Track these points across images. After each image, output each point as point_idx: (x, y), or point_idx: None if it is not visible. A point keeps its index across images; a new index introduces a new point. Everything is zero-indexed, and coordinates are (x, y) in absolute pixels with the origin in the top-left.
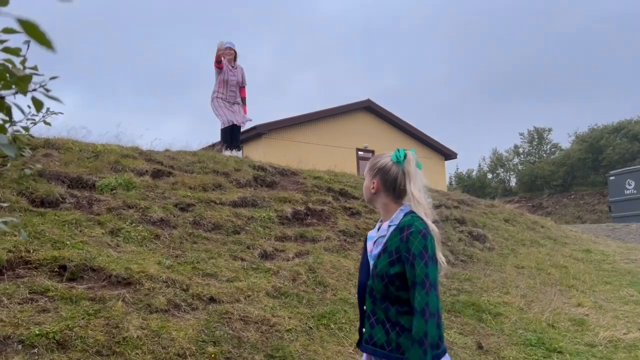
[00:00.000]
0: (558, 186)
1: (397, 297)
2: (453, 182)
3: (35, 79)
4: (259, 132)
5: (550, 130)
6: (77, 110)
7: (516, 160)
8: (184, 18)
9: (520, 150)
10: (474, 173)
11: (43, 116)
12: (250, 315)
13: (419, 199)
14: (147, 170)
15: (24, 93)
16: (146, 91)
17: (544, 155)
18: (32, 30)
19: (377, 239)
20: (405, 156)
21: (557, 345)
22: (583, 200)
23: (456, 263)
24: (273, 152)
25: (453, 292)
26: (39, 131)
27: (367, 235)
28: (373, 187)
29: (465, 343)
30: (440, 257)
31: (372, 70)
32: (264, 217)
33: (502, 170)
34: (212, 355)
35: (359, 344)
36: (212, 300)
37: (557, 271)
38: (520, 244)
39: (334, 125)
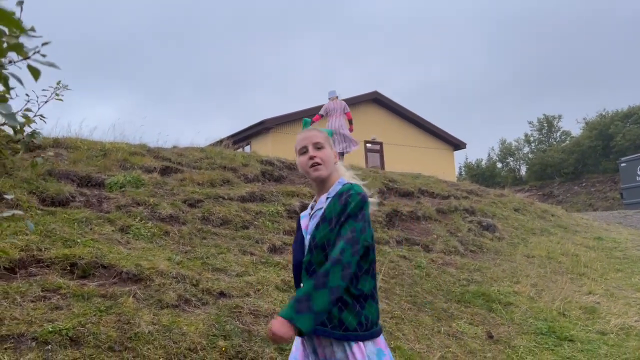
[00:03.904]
0: (569, 174)
1: None
2: (462, 173)
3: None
4: (266, 127)
5: (560, 117)
6: (136, 109)
7: (526, 149)
8: (235, 21)
9: (531, 138)
10: (483, 163)
11: (54, 90)
12: (260, 309)
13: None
14: (155, 168)
15: (25, 58)
16: (204, 92)
17: (554, 143)
18: (6, 18)
19: (313, 213)
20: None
21: (568, 334)
22: (594, 188)
23: (465, 253)
24: (281, 147)
25: (463, 282)
26: (48, 130)
27: (300, 216)
28: (335, 158)
29: (476, 333)
30: None
31: (414, 63)
32: (272, 211)
33: (512, 159)
34: (223, 349)
35: None
36: (222, 294)
37: (567, 259)
38: (531, 233)
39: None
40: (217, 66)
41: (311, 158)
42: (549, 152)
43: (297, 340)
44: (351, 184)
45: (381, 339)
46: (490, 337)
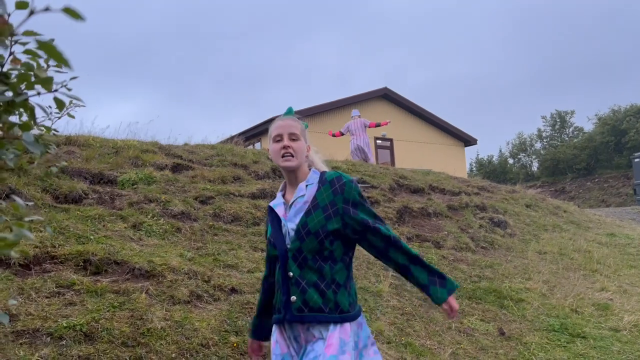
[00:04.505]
0: (581, 170)
1: (331, 253)
2: (473, 169)
3: (56, 78)
4: None
5: (572, 112)
6: (158, 107)
7: (538, 144)
8: (254, 19)
9: (543, 134)
10: (494, 159)
11: (67, 109)
12: None
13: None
14: (166, 165)
15: (50, 91)
16: (225, 90)
17: (567, 138)
18: (49, 50)
19: (293, 201)
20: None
21: (580, 331)
22: (607, 184)
23: (477, 250)
24: None
25: (474, 279)
26: (61, 128)
27: (269, 206)
28: (307, 151)
29: (487, 330)
30: None
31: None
32: None
33: (524, 155)
34: (235, 345)
35: (281, 320)
36: (233, 290)
37: (580, 256)
38: (542, 230)
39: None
40: (238, 64)
41: (284, 147)
42: (561, 148)
43: (274, 336)
44: (335, 171)
45: (362, 315)
46: (502, 333)
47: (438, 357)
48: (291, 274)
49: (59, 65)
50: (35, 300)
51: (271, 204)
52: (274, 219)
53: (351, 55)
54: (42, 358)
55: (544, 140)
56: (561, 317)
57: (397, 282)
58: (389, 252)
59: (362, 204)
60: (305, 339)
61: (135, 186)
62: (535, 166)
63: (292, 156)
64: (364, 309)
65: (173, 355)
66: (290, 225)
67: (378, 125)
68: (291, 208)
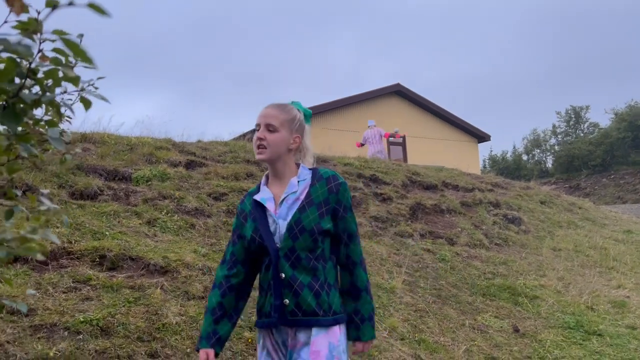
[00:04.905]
0: (597, 166)
1: (323, 252)
2: (487, 165)
3: (83, 77)
4: None
5: (587, 108)
6: (174, 105)
7: (553, 140)
8: (270, 15)
9: (558, 130)
10: (508, 155)
11: (79, 94)
12: None
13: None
14: (180, 162)
15: (77, 89)
16: (241, 87)
17: (582, 134)
18: (74, 48)
19: (285, 197)
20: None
21: (596, 328)
22: (623, 180)
23: (491, 246)
24: None
25: (488, 275)
26: (76, 126)
27: (245, 200)
28: (293, 143)
29: (501, 326)
30: None
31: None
32: None
33: (539, 151)
34: (249, 340)
35: (271, 325)
36: None
37: (596, 253)
38: (557, 226)
39: (364, 111)
40: (253, 61)
41: (259, 139)
42: (576, 144)
43: (261, 342)
44: (327, 169)
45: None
46: (517, 330)
47: (452, 353)
48: (283, 275)
49: (88, 61)
50: (53, 295)
51: (257, 197)
52: (261, 215)
53: (366, 52)
54: (59, 352)
55: (559, 136)
56: (577, 314)
57: (409, 279)
58: (357, 268)
59: (351, 209)
60: (292, 344)
61: (150, 183)
62: (549, 162)
63: (265, 148)
64: (377, 306)
65: (188, 350)
66: (281, 223)
67: (392, 136)
68: (282, 204)
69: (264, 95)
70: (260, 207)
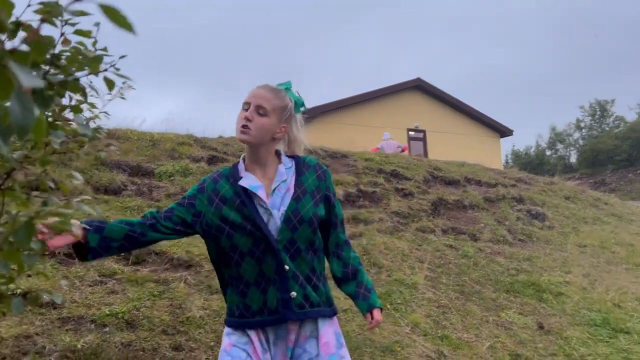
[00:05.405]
0: (622, 161)
1: (319, 244)
2: (509, 160)
3: (105, 59)
4: (309, 116)
5: (613, 101)
6: (194, 104)
7: (577, 135)
8: (295, 11)
9: (582, 124)
10: (531, 150)
11: (120, 90)
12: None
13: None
14: (202, 157)
15: (96, 73)
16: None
17: (607, 129)
18: (113, 14)
19: (278, 185)
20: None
21: (623, 326)
22: None
23: (514, 242)
24: (323, 135)
25: (512, 271)
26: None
27: (221, 182)
28: (279, 132)
29: (526, 323)
30: None
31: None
32: None
33: (562, 146)
34: None
35: (273, 322)
36: None
37: (622, 249)
38: (582, 222)
39: (384, 106)
40: (276, 58)
41: (245, 118)
42: (601, 138)
43: (247, 341)
44: (309, 157)
45: None
46: (541, 327)
47: (475, 350)
48: (287, 267)
49: (128, 27)
50: (79, 289)
51: (245, 184)
52: (250, 203)
53: (389, 47)
54: (86, 344)
55: (583, 131)
56: (603, 311)
57: (432, 274)
58: (349, 250)
59: (334, 195)
60: (294, 340)
61: (172, 178)
62: (573, 157)
63: (250, 129)
64: (399, 301)
65: (212, 343)
66: (276, 213)
67: (402, 150)
68: (274, 193)
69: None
70: (246, 195)
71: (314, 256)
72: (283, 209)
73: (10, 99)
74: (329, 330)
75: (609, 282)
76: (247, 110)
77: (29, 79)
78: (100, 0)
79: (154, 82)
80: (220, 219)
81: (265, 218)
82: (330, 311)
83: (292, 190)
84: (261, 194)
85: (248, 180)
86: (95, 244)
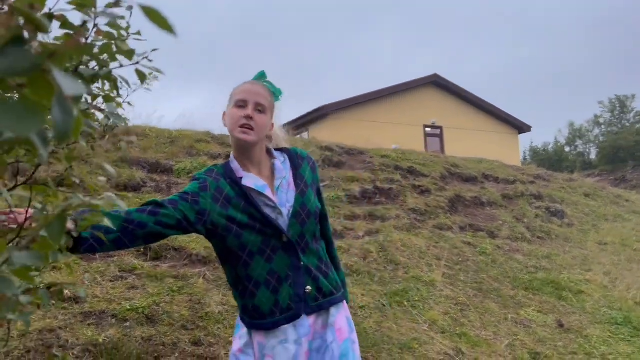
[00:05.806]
0: None
1: (319, 234)
2: (527, 157)
3: (138, 51)
4: (324, 113)
5: (633, 97)
6: (212, 100)
7: (596, 131)
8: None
9: (601, 120)
10: (550, 147)
11: (147, 82)
12: None
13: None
14: (220, 154)
15: (133, 64)
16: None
17: (627, 124)
18: (154, 15)
19: (281, 182)
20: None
21: None
22: None
23: (533, 240)
24: (339, 132)
25: (531, 269)
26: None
27: (222, 180)
28: (270, 129)
29: (545, 321)
30: None
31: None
32: (332, 196)
33: (581, 142)
34: None
35: (292, 318)
36: None
37: None
38: (603, 219)
39: (401, 103)
40: (293, 56)
41: (247, 117)
42: (621, 134)
43: (251, 346)
44: (297, 148)
45: None
46: (561, 325)
47: (494, 348)
48: (302, 262)
49: (169, 29)
50: (101, 284)
51: (249, 184)
52: (254, 202)
53: (407, 44)
54: (108, 338)
55: (602, 127)
56: (624, 310)
57: (449, 272)
58: (333, 241)
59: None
60: (312, 333)
61: (191, 175)
62: (593, 154)
63: (253, 129)
64: (416, 299)
65: (230, 339)
66: (284, 210)
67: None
68: (279, 190)
69: (301, 88)
70: (250, 195)
71: (318, 245)
72: (289, 205)
73: (52, 104)
74: (341, 317)
75: (630, 280)
76: (242, 108)
77: (71, 87)
78: (140, 1)
79: (171, 79)
80: (227, 219)
81: (274, 217)
82: (340, 296)
83: (293, 185)
84: (268, 193)
85: (252, 180)
86: (88, 235)
